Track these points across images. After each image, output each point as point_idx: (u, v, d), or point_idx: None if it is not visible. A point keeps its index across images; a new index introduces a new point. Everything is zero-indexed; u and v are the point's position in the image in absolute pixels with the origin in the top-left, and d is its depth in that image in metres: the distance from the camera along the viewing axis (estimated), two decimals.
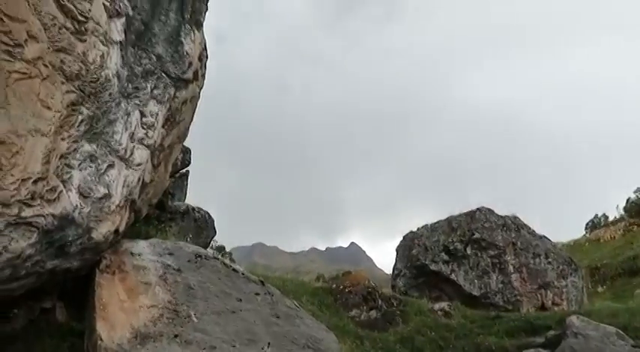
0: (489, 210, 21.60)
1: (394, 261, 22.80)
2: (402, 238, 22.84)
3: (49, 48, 6.01)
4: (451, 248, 20.56)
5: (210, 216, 16.77)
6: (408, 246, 21.90)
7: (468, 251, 20.40)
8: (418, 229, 22.24)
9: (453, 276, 20.08)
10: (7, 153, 5.35)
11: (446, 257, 20.55)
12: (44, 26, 5.95)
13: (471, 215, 21.27)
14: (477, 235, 20.49)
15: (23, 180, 5.55)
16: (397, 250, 22.81)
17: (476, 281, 20.15)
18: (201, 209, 16.64)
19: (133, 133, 7.72)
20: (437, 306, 15.70)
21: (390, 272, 23.66)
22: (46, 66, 5.95)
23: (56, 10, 6.19)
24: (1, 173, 5.27)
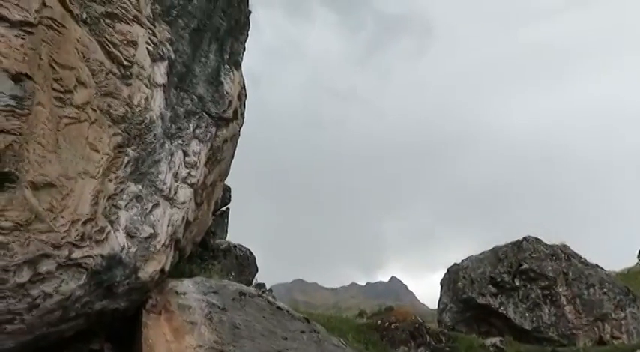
0: (536, 239, 20.83)
1: (439, 294, 22.14)
2: (445, 271, 22.23)
3: (96, 93, 6.20)
4: (498, 280, 19.82)
5: (251, 253, 16.76)
6: (453, 279, 21.25)
7: (517, 282, 19.62)
8: (463, 261, 21.59)
9: (502, 309, 19.27)
10: (58, 196, 5.46)
11: (493, 289, 19.80)
12: (92, 72, 6.15)
13: (517, 245, 20.54)
14: (525, 266, 19.72)
15: (73, 221, 5.65)
16: (442, 283, 22.17)
17: (527, 314, 19.27)
18: (242, 246, 16.66)
19: (177, 173, 7.82)
20: (488, 342, 15.03)
21: (433, 306, 22.97)
22: (94, 110, 6.13)
23: (103, 57, 6.41)
24: (52, 215, 5.37)
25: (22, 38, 5.08)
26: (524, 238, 20.78)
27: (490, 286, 19.82)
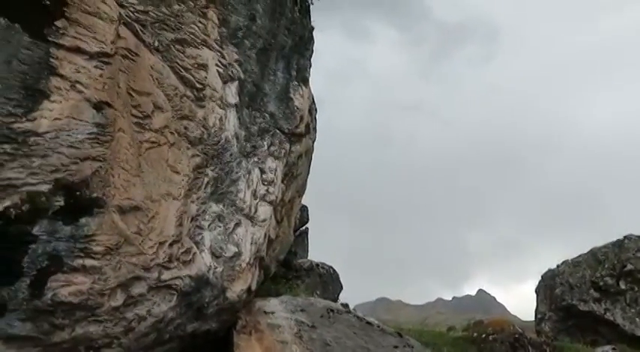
0: (639, 237, 19.12)
1: (535, 303, 20.79)
2: (540, 278, 20.87)
3: (173, 116, 6.32)
4: (600, 283, 18.30)
5: (334, 270, 16.59)
6: (550, 286, 19.89)
7: (622, 285, 18.01)
8: (558, 266, 20.19)
9: (608, 316, 17.72)
10: (144, 219, 5.55)
11: (596, 294, 18.29)
12: (168, 97, 6.28)
13: (618, 244, 18.94)
14: (629, 267, 18.09)
15: (160, 243, 5.71)
16: (537, 291, 20.82)
17: (637, 319, 17.60)
18: (325, 264, 16.53)
19: (255, 190, 7.82)
20: (599, 350, 13.79)
21: (526, 318, 21.58)
22: (172, 133, 6.23)
23: (177, 82, 6.54)
24: (141, 238, 5.45)
25: (101, 68, 5.26)
26: (626, 237, 19.13)
27: (592, 291, 18.34)
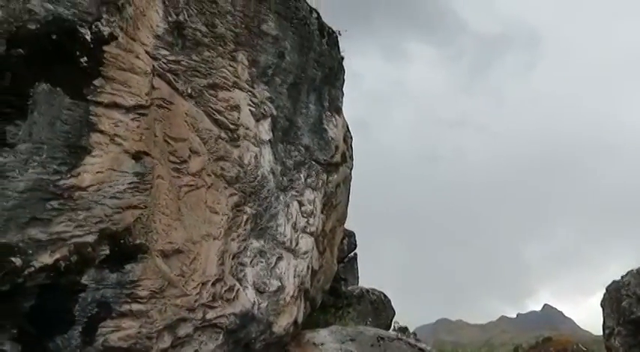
0: None
1: (602, 318, 19.77)
2: (605, 291, 19.88)
3: (209, 159, 6.56)
4: None
5: (385, 296, 16.40)
6: (615, 299, 18.90)
7: None
8: (622, 277, 19.19)
9: None
10: (186, 261, 5.75)
11: None
12: (203, 140, 6.54)
13: None
14: None
15: (203, 283, 5.88)
16: (602, 305, 19.83)
17: None
18: (376, 290, 16.38)
19: (295, 223, 7.94)
20: None
21: (598, 332, 20.50)
22: (209, 175, 6.46)
23: (211, 125, 6.80)
24: (184, 280, 5.64)
25: (137, 120, 5.55)
26: None
27: None
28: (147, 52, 6.04)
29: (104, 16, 5.52)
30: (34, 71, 4.71)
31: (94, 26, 5.37)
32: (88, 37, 5.25)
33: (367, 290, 15.95)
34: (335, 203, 9.41)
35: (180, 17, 6.68)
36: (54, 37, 4.92)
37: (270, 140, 7.84)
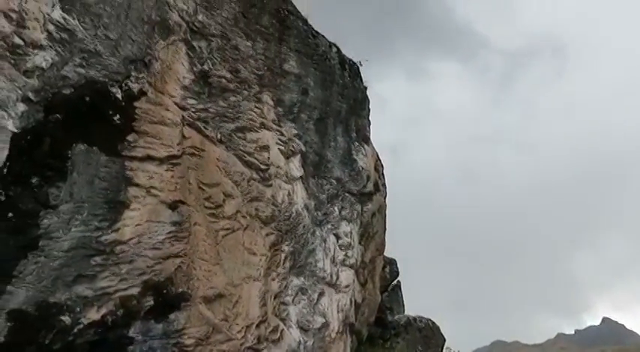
0: None
1: None
2: None
3: (243, 200, 6.66)
4: None
5: (433, 323, 16.00)
6: None
7: None
8: None
9: None
10: (229, 305, 5.78)
11: None
12: (235, 183, 6.65)
13: None
14: None
15: (247, 326, 5.89)
16: None
17: None
18: (423, 317, 16.01)
19: (334, 257, 7.91)
20: None
21: None
22: (244, 217, 6.55)
23: (242, 167, 6.92)
24: (228, 324, 5.66)
25: (171, 170, 5.71)
26: None
27: None
28: (175, 104, 6.26)
29: (133, 73, 5.77)
30: (70, 133, 4.93)
31: (124, 84, 5.61)
32: (119, 96, 5.49)
33: (414, 318, 15.59)
34: (372, 233, 9.35)
35: (205, 66, 6.91)
36: (87, 99, 5.16)
37: (301, 176, 7.91)
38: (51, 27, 4.88)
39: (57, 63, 4.89)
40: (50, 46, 4.84)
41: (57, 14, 4.98)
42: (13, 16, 4.58)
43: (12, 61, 4.51)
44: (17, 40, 4.57)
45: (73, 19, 5.15)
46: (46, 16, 4.87)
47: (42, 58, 4.74)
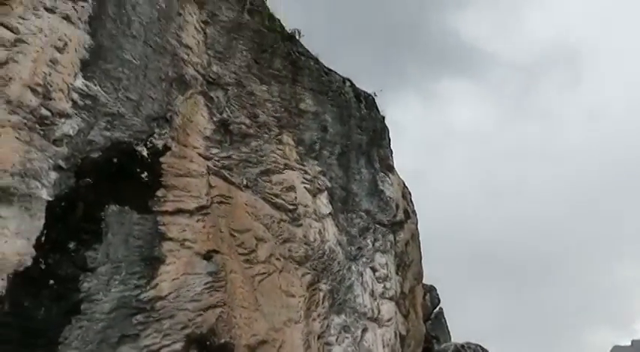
0: None
1: None
2: None
3: (275, 243, 6.64)
4: None
5: (482, 348, 15.52)
6: None
7: None
8: None
9: None
10: (272, 351, 5.69)
11: None
12: (266, 226, 6.66)
13: None
14: None
15: None
16: None
17: None
18: (471, 343, 15.53)
19: (373, 290, 7.79)
20: None
21: None
22: (278, 259, 6.52)
23: (271, 210, 6.94)
24: None
25: (202, 221, 5.75)
26: None
27: None
28: (199, 155, 6.36)
29: (156, 130, 5.92)
30: (102, 195, 5.03)
31: (148, 142, 5.75)
32: (145, 153, 5.62)
33: (462, 345, 15.13)
34: (408, 262, 9.20)
35: (224, 115, 7.05)
36: (115, 160, 5.29)
37: (330, 212, 7.88)
38: (75, 95, 5.07)
39: (83, 129, 5.04)
40: (76, 114, 5.01)
41: (80, 82, 5.17)
42: (39, 89, 4.77)
43: (41, 132, 4.67)
44: (45, 112, 4.74)
45: (95, 85, 5.34)
46: (70, 85, 5.06)
47: (69, 126, 4.89)
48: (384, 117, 10.86)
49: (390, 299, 8.06)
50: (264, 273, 6.23)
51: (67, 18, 5.31)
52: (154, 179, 5.61)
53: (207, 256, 5.53)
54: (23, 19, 4.92)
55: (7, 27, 4.76)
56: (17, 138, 4.47)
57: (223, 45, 7.74)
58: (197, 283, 5.27)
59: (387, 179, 9.61)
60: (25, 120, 4.57)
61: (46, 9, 5.16)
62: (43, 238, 4.35)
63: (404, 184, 10.40)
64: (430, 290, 16.53)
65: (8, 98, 4.50)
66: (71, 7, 5.39)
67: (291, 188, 7.38)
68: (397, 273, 8.63)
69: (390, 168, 10.09)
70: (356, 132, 9.55)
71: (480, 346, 15.68)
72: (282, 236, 6.81)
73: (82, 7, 5.50)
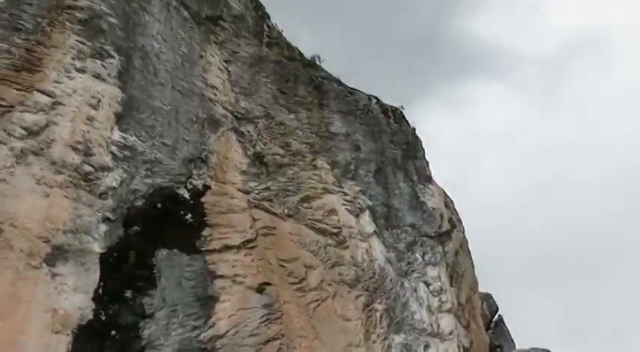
0: None
1: None
2: None
3: (324, 268, 6.60)
4: None
5: None
6: None
7: None
8: None
9: None
10: None
11: None
12: (313, 253, 6.64)
13: None
14: None
15: None
16: None
17: None
18: (537, 349, 14.97)
19: (429, 305, 7.62)
20: None
21: None
22: (329, 284, 6.47)
23: (316, 235, 6.93)
24: None
25: (250, 254, 5.79)
26: None
27: None
28: (239, 190, 6.44)
29: (194, 171, 6.04)
30: (151, 241, 5.12)
31: (188, 184, 5.86)
32: (187, 195, 5.73)
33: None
34: (460, 271, 8.98)
35: (257, 148, 7.14)
36: (159, 205, 5.40)
37: (374, 231, 7.81)
38: (113, 148, 5.23)
39: (125, 179, 5.18)
40: (117, 166, 5.16)
41: (116, 135, 5.34)
42: (80, 147, 4.94)
43: (87, 188, 4.82)
44: (87, 168, 4.90)
45: (131, 135, 5.51)
46: (108, 139, 5.23)
47: (112, 178, 5.04)
48: (414, 129, 10.78)
49: (448, 311, 7.86)
50: (318, 300, 6.19)
51: (97, 76, 5.53)
52: (199, 219, 5.69)
53: (260, 289, 5.53)
54: (57, 82, 5.14)
55: (43, 92, 4.98)
56: (65, 196, 4.63)
57: (247, 80, 7.90)
58: (253, 317, 5.27)
59: (427, 190, 9.49)
60: (71, 178, 4.73)
61: (78, 70, 5.39)
62: (100, 290, 4.44)
63: (445, 193, 10.23)
64: (486, 298, 16.07)
65: (52, 159, 4.68)
66: (100, 65, 5.62)
67: (333, 211, 7.36)
68: (451, 285, 8.42)
69: (429, 179, 9.96)
70: (389, 147, 9.50)
71: (548, 350, 15.08)
72: (330, 260, 6.76)
73: (111, 63, 5.73)
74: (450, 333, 7.49)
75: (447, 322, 7.63)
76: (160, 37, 6.70)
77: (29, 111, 4.77)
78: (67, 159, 4.78)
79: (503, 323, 17.41)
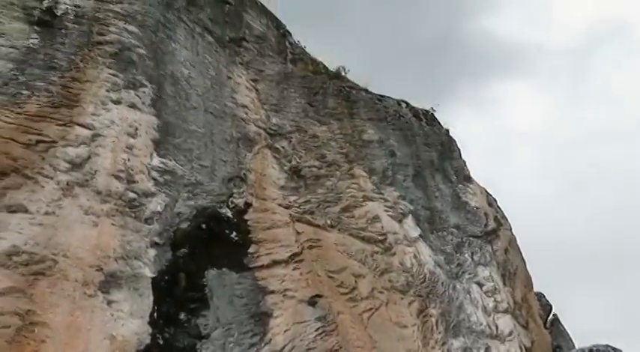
0: None
1: None
2: None
3: (373, 276, 6.48)
4: None
5: (614, 348, 14.23)
6: None
7: None
8: None
9: None
10: None
11: None
12: (361, 262, 6.54)
13: None
14: None
15: None
16: None
17: None
18: (600, 345, 14.27)
19: (484, 306, 7.39)
20: None
21: None
22: (381, 292, 6.34)
23: (361, 244, 6.83)
24: None
25: (298, 268, 5.73)
26: None
27: None
28: (280, 205, 6.42)
29: (234, 190, 6.05)
30: (199, 262, 5.13)
31: (230, 203, 5.87)
32: (230, 214, 5.73)
33: (590, 350, 13.96)
34: (512, 269, 8.70)
35: (293, 162, 7.13)
36: (203, 226, 5.42)
37: (420, 235, 7.65)
38: (154, 173, 5.28)
39: (169, 203, 5.22)
40: (159, 190, 5.20)
41: (156, 161, 5.40)
42: (122, 175, 5.00)
43: (132, 215, 4.86)
44: (131, 195, 4.95)
45: (170, 160, 5.56)
46: (148, 165, 5.29)
47: (156, 203, 5.08)
48: (447, 130, 10.62)
49: (505, 312, 7.59)
50: (371, 309, 6.06)
51: (132, 105, 5.62)
52: (244, 236, 5.68)
53: (312, 302, 5.46)
54: (95, 115, 5.24)
55: (83, 126, 5.08)
56: (113, 224, 4.67)
57: (276, 97, 7.95)
58: (308, 331, 5.19)
59: (468, 189, 9.29)
60: (117, 206, 4.78)
61: (113, 102, 5.49)
62: (155, 314, 4.44)
63: (486, 191, 9.99)
64: (539, 297, 15.54)
65: (97, 189, 4.75)
66: (134, 95, 5.72)
67: (376, 218, 7.26)
68: (505, 284, 8.16)
69: (468, 178, 9.76)
70: (424, 150, 9.37)
71: (611, 346, 14.41)
72: (379, 268, 6.65)
73: (144, 92, 5.82)
74: (510, 334, 7.22)
75: (504, 322, 7.37)
76: (188, 63, 6.80)
77: (71, 145, 4.86)
78: (111, 187, 4.84)
79: (559, 322, 16.75)
